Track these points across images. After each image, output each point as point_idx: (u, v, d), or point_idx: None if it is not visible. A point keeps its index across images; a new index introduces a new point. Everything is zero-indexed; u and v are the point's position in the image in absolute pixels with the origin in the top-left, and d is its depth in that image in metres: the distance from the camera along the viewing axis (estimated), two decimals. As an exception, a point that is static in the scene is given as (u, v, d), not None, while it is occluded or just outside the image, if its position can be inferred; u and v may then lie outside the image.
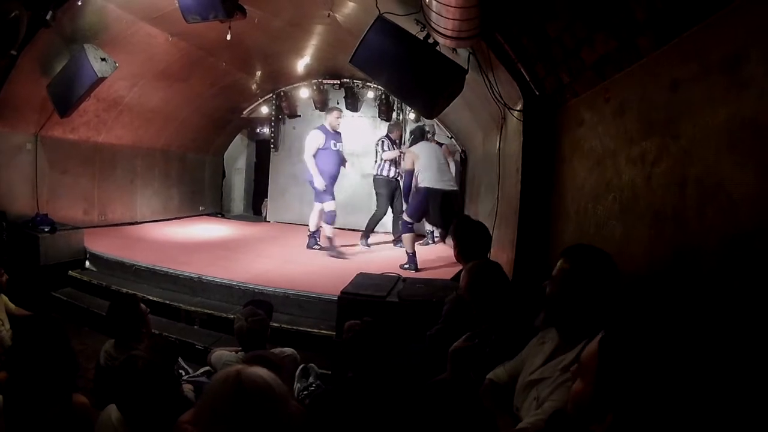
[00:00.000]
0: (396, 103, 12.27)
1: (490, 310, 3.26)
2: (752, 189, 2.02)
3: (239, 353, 4.10)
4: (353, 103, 12.59)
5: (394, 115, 12.47)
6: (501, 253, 5.55)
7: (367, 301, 5.15)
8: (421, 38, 4.93)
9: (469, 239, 4.37)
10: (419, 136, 9.04)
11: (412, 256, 8.18)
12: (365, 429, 2.81)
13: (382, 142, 10.44)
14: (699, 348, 2.19)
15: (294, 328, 6.05)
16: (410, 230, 8.19)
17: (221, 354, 4.21)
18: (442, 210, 7.99)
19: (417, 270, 8.00)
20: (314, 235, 9.78)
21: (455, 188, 8.49)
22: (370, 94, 12.46)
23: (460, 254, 4.40)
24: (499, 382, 2.79)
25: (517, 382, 2.63)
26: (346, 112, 12.53)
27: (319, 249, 9.62)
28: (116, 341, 3.93)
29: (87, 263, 8.14)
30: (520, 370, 2.67)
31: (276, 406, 1.58)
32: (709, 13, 2.32)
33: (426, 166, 8.16)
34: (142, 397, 2.47)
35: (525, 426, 2.24)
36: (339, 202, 12.32)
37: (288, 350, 4.36)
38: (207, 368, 4.31)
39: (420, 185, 8.22)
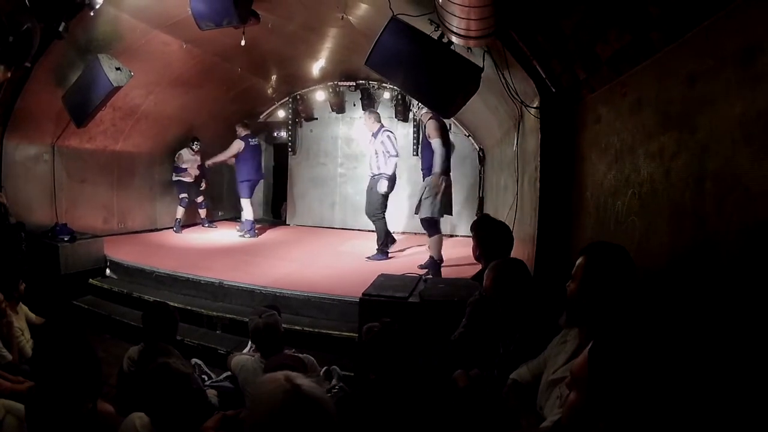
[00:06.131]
0: (412, 103, 12.11)
1: (515, 308, 3.22)
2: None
3: (256, 356, 4.12)
4: (370, 104, 12.52)
5: (411, 115, 12.39)
6: (522, 251, 5.52)
7: (389, 302, 5.14)
8: (436, 38, 4.93)
9: (492, 241, 4.21)
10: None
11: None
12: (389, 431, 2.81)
13: (390, 134, 9.28)
14: (715, 342, 2.19)
15: (315, 330, 6.09)
16: None
17: (240, 359, 4.22)
18: None
19: None
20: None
21: None
22: (387, 95, 12.40)
23: (482, 256, 4.25)
24: (522, 382, 2.80)
25: (540, 381, 2.64)
26: (363, 114, 12.57)
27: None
28: (146, 348, 3.95)
29: (107, 271, 8.24)
30: (543, 370, 2.67)
31: (331, 416, 1.60)
32: (722, 5, 2.31)
33: None
34: (174, 403, 2.48)
35: (547, 425, 2.23)
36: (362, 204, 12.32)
37: (304, 357, 4.37)
38: (228, 373, 4.32)
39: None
